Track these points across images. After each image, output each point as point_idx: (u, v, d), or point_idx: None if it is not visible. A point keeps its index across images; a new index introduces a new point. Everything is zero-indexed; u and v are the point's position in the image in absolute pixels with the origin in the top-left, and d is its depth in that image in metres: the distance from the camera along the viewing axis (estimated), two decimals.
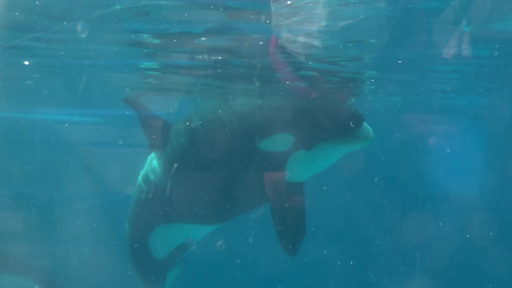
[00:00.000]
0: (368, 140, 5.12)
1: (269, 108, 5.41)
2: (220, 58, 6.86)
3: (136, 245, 6.49)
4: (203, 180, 5.69)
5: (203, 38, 5.93)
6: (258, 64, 6.98)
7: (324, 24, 5.00)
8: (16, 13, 5.23)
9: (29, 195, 16.45)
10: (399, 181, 19.66)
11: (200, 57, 6.93)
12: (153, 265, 6.60)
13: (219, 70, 7.67)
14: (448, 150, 21.93)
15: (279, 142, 5.26)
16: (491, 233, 15.64)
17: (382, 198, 18.85)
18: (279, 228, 5.27)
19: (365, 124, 5.16)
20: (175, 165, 5.85)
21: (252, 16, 4.93)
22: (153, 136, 6.23)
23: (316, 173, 5.63)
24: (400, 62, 7.03)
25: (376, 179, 19.05)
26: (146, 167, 6.30)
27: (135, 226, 6.44)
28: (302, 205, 5.39)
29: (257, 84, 8.22)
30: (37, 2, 4.84)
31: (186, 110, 12.32)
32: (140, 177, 6.36)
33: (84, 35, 5.87)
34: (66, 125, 18.82)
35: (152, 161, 6.22)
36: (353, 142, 5.15)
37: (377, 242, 17.30)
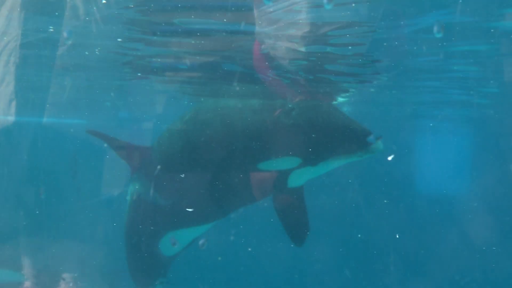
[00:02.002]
0: (378, 152, 5.21)
1: (274, 130, 5.41)
2: (205, 60, 6.86)
3: (144, 249, 6.62)
4: (203, 189, 5.85)
5: (188, 41, 5.93)
6: (242, 68, 6.99)
7: (307, 29, 5.02)
8: None
9: (19, 196, 16.37)
10: (386, 182, 19.84)
11: (185, 59, 6.93)
12: (161, 262, 6.82)
13: (202, 74, 7.68)
14: (435, 151, 22.17)
15: (284, 162, 5.45)
16: (481, 234, 15.87)
17: (369, 198, 19.00)
18: (285, 225, 5.68)
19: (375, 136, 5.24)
20: (176, 176, 5.97)
21: (236, 20, 4.94)
22: (131, 160, 6.32)
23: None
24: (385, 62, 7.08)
25: (365, 180, 19.21)
26: (141, 183, 6.35)
27: (141, 234, 6.56)
28: (303, 205, 5.73)
29: (239, 88, 8.23)
30: None
31: (171, 112, 12.32)
32: (136, 191, 6.39)
33: (70, 42, 5.87)
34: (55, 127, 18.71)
35: (148, 177, 6.27)
36: (361, 155, 5.28)
37: (366, 241, 17.44)
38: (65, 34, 5.56)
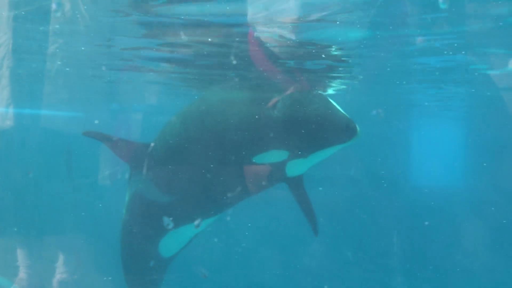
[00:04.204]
0: (359, 137, 5.30)
1: (261, 123, 5.42)
2: (199, 50, 6.82)
3: (143, 251, 6.56)
4: (200, 184, 5.83)
5: (181, 32, 5.90)
6: (237, 58, 6.96)
7: (296, 16, 5.01)
8: None
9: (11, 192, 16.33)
10: (376, 176, 19.96)
11: (179, 50, 6.90)
12: (159, 264, 6.75)
13: (197, 66, 7.66)
14: (428, 144, 22.27)
15: (274, 156, 5.46)
16: (473, 230, 16.01)
17: (361, 193, 19.10)
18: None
19: (354, 123, 5.32)
20: (173, 174, 5.94)
21: (228, 9, 4.91)
22: (130, 158, 6.23)
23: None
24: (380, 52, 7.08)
25: (356, 174, 19.31)
26: (139, 182, 6.27)
27: (138, 236, 6.51)
28: (304, 194, 5.77)
29: (236, 79, 8.22)
30: None
31: (165, 103, 12.29)
32: (134, 190, 6.34)
33: (58, 14, 5.79)
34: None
35: (145, 175, 6.21)
36: (346, 143, 5.37)
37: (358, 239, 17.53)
38: (54, 6, 5.48)
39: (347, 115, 5.32)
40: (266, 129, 5.35)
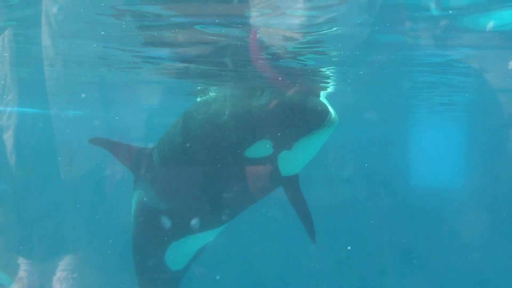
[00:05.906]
0: (334, 125, 5.28)
1: (241, 117, 5.45)
2: (198, 51, 6.85)
3: (149, 264, 6.55)
4: (199, 190, 5.83)
5: (181, 31, 5.92)
6: (236, 58, 6.99)
7: (305, 18, 5.04)
8: None
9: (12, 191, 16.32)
10: (376, 177, 19.98)
11: (179, 50, 6.91)
12: (170, 277, 6.70)
13: (198, 65, 7.68)
14: (428, 146, 22.32)
15: (261, 148, 5.43)
16: (476, 230, 16.06)
17: (363, 194, 19.11)
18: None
19: (329, 109, 5.32)
20: (172, 181, 5.94)
21: (231, 9, 4.93)
22: (134, 165, 6.22)
23: (307, 162, 5.84)
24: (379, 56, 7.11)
25: (354, 175, 19.33)
26: (140, 190, 6.27)
27: (144, 248, 6.51)
28: (300, 195, 5.68)
29: (233, 78, 8.25)
30: None
31: (165, 105, 12.30)
32: (136, 199, 6.34)
33: (60, 18, 5.82)
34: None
35: (145, 183, 6.21)
36: (322, 130, 5.30)
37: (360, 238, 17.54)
38: (54, 10, 5.51)
39: (326, 104, 5.33)
40: (250, 118, 5.36)
